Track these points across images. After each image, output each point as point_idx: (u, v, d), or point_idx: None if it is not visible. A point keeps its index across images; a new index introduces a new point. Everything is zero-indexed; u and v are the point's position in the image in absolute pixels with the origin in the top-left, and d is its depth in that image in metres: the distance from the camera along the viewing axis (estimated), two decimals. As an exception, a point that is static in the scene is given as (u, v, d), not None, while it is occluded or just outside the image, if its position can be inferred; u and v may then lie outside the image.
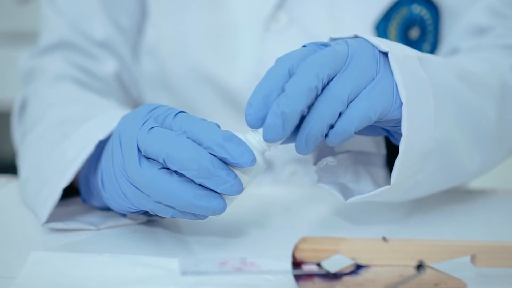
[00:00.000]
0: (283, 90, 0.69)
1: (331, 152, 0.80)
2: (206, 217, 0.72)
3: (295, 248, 0.66)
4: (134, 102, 1.11)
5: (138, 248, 0.76)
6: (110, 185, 0.74)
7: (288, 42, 1.04)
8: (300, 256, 0.66)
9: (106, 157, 0.75)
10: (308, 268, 0.66)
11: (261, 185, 1.02)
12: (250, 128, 0.72)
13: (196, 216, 0.72)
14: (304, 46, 0.72)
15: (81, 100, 0.95)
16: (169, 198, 0.70)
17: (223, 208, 0.70)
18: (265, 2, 1.04)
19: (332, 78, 0.69)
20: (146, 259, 0.72)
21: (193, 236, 0.79)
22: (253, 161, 0.69)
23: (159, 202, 0.71)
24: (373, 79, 0.71)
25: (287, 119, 0.68)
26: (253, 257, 0.69)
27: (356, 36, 0.74)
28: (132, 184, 0.72)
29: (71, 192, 0.85)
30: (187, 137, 0.70)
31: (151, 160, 0.70)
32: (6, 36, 2.18)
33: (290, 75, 0.69)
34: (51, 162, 0.82)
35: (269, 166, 1.08)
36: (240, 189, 0.70)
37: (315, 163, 0.79)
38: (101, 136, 0.78)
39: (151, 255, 0.73)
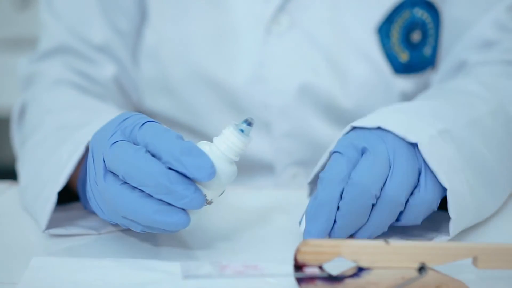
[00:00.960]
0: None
1: None
2: (176, 230, 0.71)
3: (297, 251, 0.66)
4: (134, 106, 1.11)
5: (139, 252, 0.76)
6: (91, 197, 0.75)
7: (290, 45, 1.04)
8: (302, 259, 0.66)
9: (87, 169, 0.75)
10: (310, 271, 0.66)
11: (262, 189, 1.02)
12: (216, 136, 0.71)
13: (164, 230, 0.71)
14: (339, 152, 0.74)
15: (80, 105, 0.95)
16: (131, 213, 0.69)
17: (185, 223, 0.69)
18: (266, 5, 1.04)
19: (384, 182, 0.72)
20: (148, 263, 0.72)
21: (194, 240, 0.78)
22: (212, 174, 0.68)
23: (125, 217, 0.71)
24: (420, 172, 0.74)
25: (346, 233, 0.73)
26: (254, 261, 0.69)
27: (378, 127, 0.76)
28: (103, 198, 0.72)
29: (74, 198, 0.85)
30: (148, 150, 0.69)
31: (116, 175, 0.70)
32: (5, 42, 2.18)
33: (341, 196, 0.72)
34: (48, 168, 0.82)
35: (270, 169, 1.08)
36: (200, 202, 0.69)
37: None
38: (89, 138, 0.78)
39: (153, 259, 0.73)
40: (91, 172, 0.73)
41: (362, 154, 0.74)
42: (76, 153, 0.79)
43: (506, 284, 0.69)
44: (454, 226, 0.75)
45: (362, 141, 0.74)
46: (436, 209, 0.75)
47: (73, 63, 1.04)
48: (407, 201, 0.73)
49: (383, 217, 0.73)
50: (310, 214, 0.72)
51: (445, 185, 0.74)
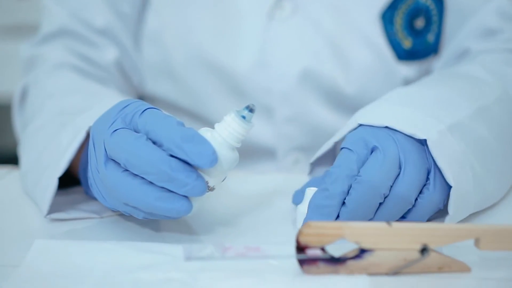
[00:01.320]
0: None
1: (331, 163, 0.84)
2: (178, 216, 0.71)
3: (299, 233, 0.66)
4: (135, 90, 1.11)
5: (141, 235, 0.76)
6: (92, 184, 0.74)
7: (292, 31, 1.04)
8: (304, 240, 0.66)
9: (88, 156, 0.75)
10: (312, 252, 0.66)
11: (264, 173, 1.02)
12: (217, 123, 0.71)
13: (166, 216, 0.71)
14: (349, 148, 0.74)
15: (81, 89, 0.95)
16: (133, 200, 0.69)
17: (187, 210, 0.69)
18: None
19: (394, 181, 0.73)
20: (150, 245, 0.72)
21: (196, 224, 0.78)
22: (213, 161, 0.68)
23: (127, 204, 0.71)
24: (429, 171, 0.74)
25: None
26: (256, 243, 0.69)
27: (385, 126, 0.76)
28: (104, 185, 0.72)
29: (75, 182, 0.85)
30: (150, 138, 0.69)
31: (117, 162, 0.70)
32: (6, 29, 2.17)
33: (348, 191, 0.72)
34: (49, 153, 0.82)
35: (272, 154, 1.08)
36: (202, 190, 0.69)
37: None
38: (92, 123, 0.78)
39: (155, 242, 0.73)
40: (92, 160, 0.73)
41: (371, 152, 0.74)
42: (76, 139, 0.79)
43: (509, 265, 0.69)
44: (449, 220, 0.75)
45: (372, 138, 0.74)
46: (442, 208, 0.75)
47: (74, 46, 1.04)
48: (415, 200, 0.74)
49: (391, 215, 0.73)
50: (315, 205, 0.72)
51: (451, 183, 0.74)
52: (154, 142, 0.69)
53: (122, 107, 0.72)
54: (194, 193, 0.69)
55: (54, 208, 0.80)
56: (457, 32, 1.03)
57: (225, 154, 0.70)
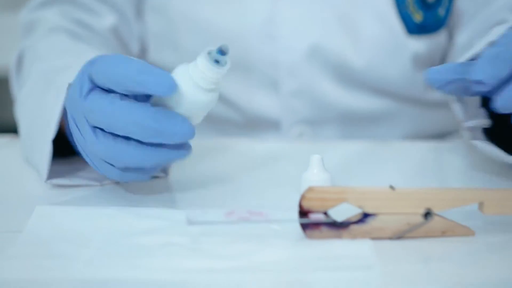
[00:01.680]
0: None
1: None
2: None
3: (302, 198, 0.65)
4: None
5: (142, 202, 0.76)
6: (84, 157, 0.74)
7: (300, 4, 1.03)
8: (307, 205, 0.65)
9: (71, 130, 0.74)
10: (315, 217, 0.66)
11: (267, 142, 1.01)
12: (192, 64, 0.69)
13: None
14: None
15: (69, 50, 0.93)
16: (132, 164, 0.69)
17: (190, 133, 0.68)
18: None
19: None
20: (152, 211, 0.71)
21: (198, 189, 0.78)
22: (172, 86, 0.66)
23: (126, 170, 0.70)
24: None
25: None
26: (259, 207, 0.69)
27: None
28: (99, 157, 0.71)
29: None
30: (108, 86, 0.68)
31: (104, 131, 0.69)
32: (5, 2, 2.16)
33: None
34: (39, 116, 0.81)
35: (276, 126, 1.07)
36: (192, 132, 0.68)
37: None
38: (71, 79, 0.76)
39: (156, 208, 0.72)
40: (76, 134, 0.72)
41: None
42: (59, 99, 0.77)
43: (512, 230, 0.69)
44: None
45: None
46: None
47: (71, 12, 1.03)
48: None
49: None
50: (490, 55, 0.68)
51: None
52: (114, 87, 0.68)
53: (84, 70, 0.71)
54: (186, 138, 0.68)
55: (54, 175, 0.79)
56: (480, 10, 1.02)
57: (200, 95, 0.68)
